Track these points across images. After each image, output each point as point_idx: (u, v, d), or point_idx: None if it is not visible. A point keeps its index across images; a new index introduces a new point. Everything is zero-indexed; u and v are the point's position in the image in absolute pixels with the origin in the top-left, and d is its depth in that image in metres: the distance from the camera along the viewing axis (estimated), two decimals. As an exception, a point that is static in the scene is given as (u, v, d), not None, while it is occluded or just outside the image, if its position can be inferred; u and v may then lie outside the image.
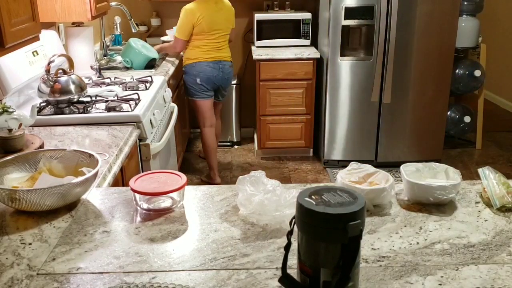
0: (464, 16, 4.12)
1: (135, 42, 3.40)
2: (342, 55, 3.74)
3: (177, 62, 3.69)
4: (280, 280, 0.97)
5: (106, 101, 2.37)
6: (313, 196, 0.92)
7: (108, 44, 3.79)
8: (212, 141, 3.74)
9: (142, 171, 2.21)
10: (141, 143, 2.23)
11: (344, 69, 3.77)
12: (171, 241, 1.18)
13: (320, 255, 0.91)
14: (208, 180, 3.84)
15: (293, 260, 1.09)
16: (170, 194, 1.34)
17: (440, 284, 1.01)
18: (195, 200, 1.38)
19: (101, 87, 2.70)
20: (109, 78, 2.93)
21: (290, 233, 0.97)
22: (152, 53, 3.47)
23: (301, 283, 0.95)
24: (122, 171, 1.92)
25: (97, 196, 1.42)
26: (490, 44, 4.55)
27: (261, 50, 4.04)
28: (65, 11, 2.68)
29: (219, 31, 3.48)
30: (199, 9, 3.36)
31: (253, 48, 4.18)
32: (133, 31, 3.75)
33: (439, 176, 1.39)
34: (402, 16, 3.59)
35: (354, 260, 0.89)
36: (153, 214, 1.30)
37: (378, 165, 1.47)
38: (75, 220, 1.28)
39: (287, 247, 0.97)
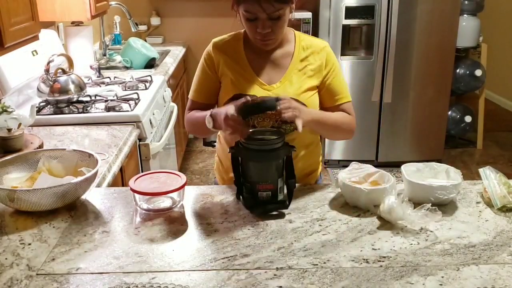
0: (465, 15, 4.12)
1: (135, 42, 3.39)
2: (342, 54, 3.73)
3: (177, 62, 3.69)
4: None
5: (106, 100, 2.37)
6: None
7: (107, 43, 3.79)
8: None
9: (142, 171, 2.21)
10: (140, 143, 2.23)
11: (345, 69, 3.76)
12: (171, 241, 1.17)
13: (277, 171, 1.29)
14: None
15: (293, 261, 1.09)
16: (170, 194, 1.33)
17: (441, 284, 1.00)
18: (195, 200, 1.38)
19: (100, 86, 2.69)
20: (108, 77, 2.93)
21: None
22: (152, 52, 3.47)
23: (266, 198, 1.30)
24: (122, 171, 1.91)
25: (97, 196, 1.42)
26: (491, 43, 4.54)
27: (261, 50, 4.02)
28: (65, 11, 2.67)
29: None
30: None
31: (253, 47, 4.16)
32: (133, 30, 3.74)
33: (440, 176, 1.39)
34: (403, 15, 3.58)
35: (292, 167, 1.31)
36: (153, 214, 1.30)
37: (378, 165, 1.46)
38: (74, 220, 1.28)
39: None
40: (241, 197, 1.35)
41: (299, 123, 1.31)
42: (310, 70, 1.54)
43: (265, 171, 1.30)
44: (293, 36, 1.60)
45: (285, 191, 1.33)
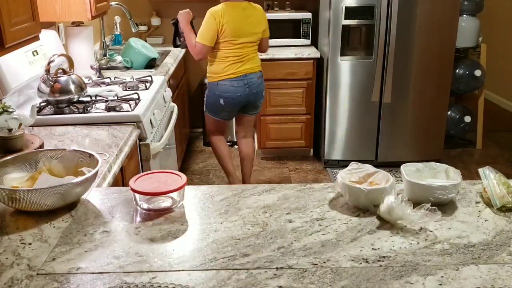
0: (464, 15, 4.12)
1: (135, 42, 3.40)
2: (342, 54, 3.74)
3: (177, 62, 3.69)
4: None
5: (106, 101, 2.37)
6: None
7: (108, 43, 3.79)
8: (223, 148, 3.44)
9: (142, 171, 2.21)
10: (141, 143, 2.23)
11: (344, 69, 3.77)
12: (171, 241, 1.18)
13: None
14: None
15: (293, 260, 1.09)
16: (170, 194, 1.33)
17: (441, 284, 1.01)
18: (195, 200, 1.38)
19: (101, 87, 2.70)
20: (109, 78, 2.93)
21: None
22: (152, 53, 3.47)
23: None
24: (122, 171, 1.91)
25: (97, 196, 1.42)
26: (491, 44, 4.54)
27: (261, 50, 4.04)
28: (65, 11, 2.67)
29: (244, 40, 3.05)
30: (224, 13, 2.97)
31: (253, 48, 4.18)
32: (133, 30, 3.75)
33: (439, 176, 1.39)
34: (402, 15, 3.59)
35: None
36: (153, 214, 1.30)
37: (378, 165, 1.46)
38: (75, 220, 1.28)
39: None
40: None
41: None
42: None
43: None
44: None
45: None
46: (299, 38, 4.16)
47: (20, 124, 1.81)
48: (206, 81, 3.34)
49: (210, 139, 3.45)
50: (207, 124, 3.43)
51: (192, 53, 3.09)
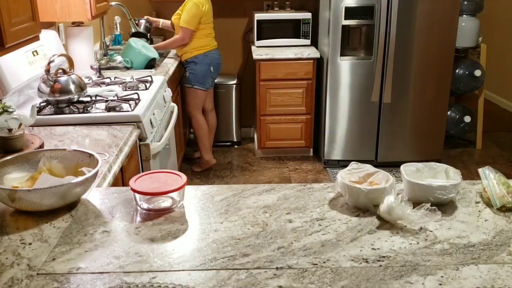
0: (464, 16, 4.12)
1: (135, 42, 3.40)
2: (342, 55, 3.74)
3: (177, 62, 3.69)
4: None
5: (106, 101, 2.37)
6: None
7: (108, 44, 3.79)
8: (205, 125, 3.96)
9: (142, 171, 2.21)
10: (141, 143, 2.23)
11: (344, 69, 3.77)
12: (171, 241, 1.18)
13: None
14: (205, 167, 4.01)
15: (292, 260, 1.09)
16: (170, 194, 1.33)
17: (440, 284, 1.01)
18: (195, 200, 1.38)
19: (101, 87, 2.70)
20: (109, 78, 2.93)
21: None
22: (152, 53, 3.47)
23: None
24: (122, 171, 1.92)
25: (97, 196, 1.42)
26: (490, 44, 4.54)
27: (261, 50, 4.04)
28: (65, 11, 2.68)
29: (212, 22, 3.81)
30: (205, 2, 3.65)
31: (253, 48, 4.18)
32: (133, 31, 3.75)
33: (439, 176, 1.39)
34: (402, 15, 3.59)
35: None
36: (153, 214, 1.30)
37: (378, 165, 1.47)
38: (75, 220, 1.28)
39: None
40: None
41: None
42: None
43: None
44: None
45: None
46: (299, 38, 4.16)
47: (20, 124, 1.82)
48: (188, 59, 3.75)
49: (197, 117, 3.89)
50: (195, 100, 3.83)
51: (182, 42, 3.67)
